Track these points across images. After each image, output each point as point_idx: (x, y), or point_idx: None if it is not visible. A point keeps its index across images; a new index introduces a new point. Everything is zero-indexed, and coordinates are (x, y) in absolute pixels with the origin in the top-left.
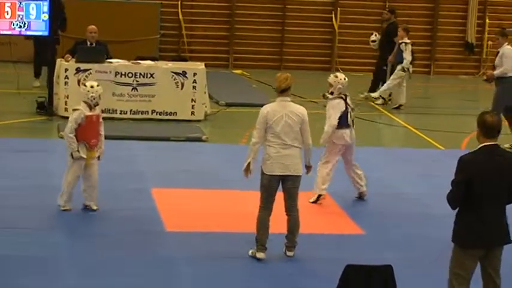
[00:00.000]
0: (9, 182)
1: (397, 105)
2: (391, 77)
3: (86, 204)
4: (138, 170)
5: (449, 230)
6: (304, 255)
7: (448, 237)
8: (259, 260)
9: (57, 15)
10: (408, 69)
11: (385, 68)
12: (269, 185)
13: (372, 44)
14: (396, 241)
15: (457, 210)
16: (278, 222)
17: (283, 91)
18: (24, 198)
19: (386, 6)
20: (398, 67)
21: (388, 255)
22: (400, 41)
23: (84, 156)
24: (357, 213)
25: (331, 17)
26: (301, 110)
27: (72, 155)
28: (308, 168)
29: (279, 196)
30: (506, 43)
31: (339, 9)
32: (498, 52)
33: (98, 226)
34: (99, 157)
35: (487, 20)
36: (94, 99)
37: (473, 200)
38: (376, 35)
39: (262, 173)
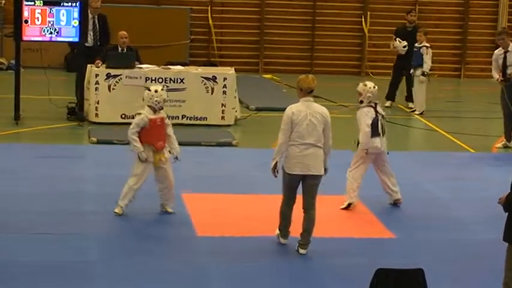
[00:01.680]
0: (41, 188)
1: (414, 109)
2: (417, 87)
3: (163, 205)
4: None
5: (478, 233)
6: (335, 260)
7: (478, 241)
8: (282, 244)
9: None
10: (428, 73)
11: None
12: (290, 184)
13: (402, 50)
14: (427, 245)
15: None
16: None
17: (310, 92)
18: (55, 204)
19: (416, 9)
20: (418, 72)
21: (420, 259)
22: (421, 45)
23: (151, 160)
24: (388, 217)
25: (361, 21)
26: (325, 111)
27: (139, 157)
28: (325, 170)
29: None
30: None
31: (368, 13)
32: (508, 51)
33: (128, 231)
34: (177, 157)
35: None
36: (158, 103)
37: None
38: (400, 41)
39: (284, 172)
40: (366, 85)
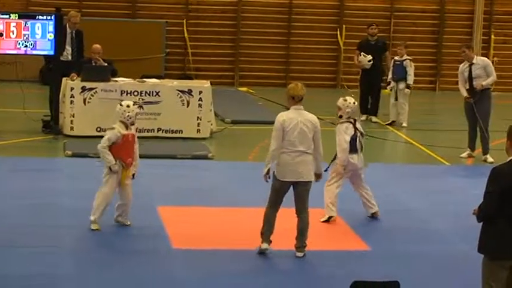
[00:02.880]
0: (16, 201)
1: (390, 122)
2: (402, 101)
3: (119, 220)
4: (144, 187)
5: (453, 245)
6: (311, 272)
7: (453, 252)
8: (263, 251)
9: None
10: (411, 86)
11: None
12: (280, 189)
13: (368, 64)
14: (402, 257)
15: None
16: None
17: (300, 99)
18: (29, 217)
19: (391, 22)
20: (401, 85)
21: (395, 272)
22: (403, 58)
23: (120, 175)
24: (364, 230)
25: (337, 34)
26: (315, 119)
27: (110, 168)
28: (318, 176)
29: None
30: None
31: (344, 26)
32: (472, 64)
33: (103, 244)
34: (133, 175)
35: (493, 36)
36: (130, 118)
37: (505, 211)
38: (364, 55)
39: (275, 178)
40: (346, 100)
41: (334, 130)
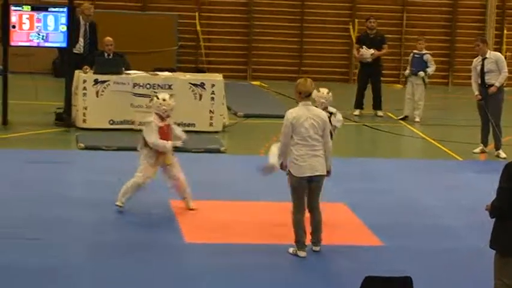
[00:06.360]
0: (28, 193)
1: (403, 116)
2: (421, 94)
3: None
4: (157, 181)
5: (466, 241)
6: (323, 267)
7: (466, 248)
8: (301, 257)
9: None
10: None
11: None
12: (299, 186)
13: (370, 57)
14: (416, 253)
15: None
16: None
17: (308, 95)
18: (43, 209)
19: (403, 17)
20: (418, 81)
21: (407, 267)
22: (423, 52)
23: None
24: (376, 225)
25: (349, 28)
26: (324, 114)
27: (167, 147)
28: (328, 172)
29: None
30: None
31: (356, 20)
32: (485, 58)
33: (117, 238)
34: (183, 142)
35: (505, 31)
36: (166, 111)
37: None
38: (367, 49)
39: (292, 176)
40: (319, 91)
41: (347, 125)
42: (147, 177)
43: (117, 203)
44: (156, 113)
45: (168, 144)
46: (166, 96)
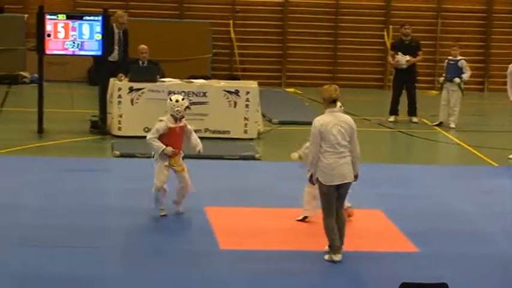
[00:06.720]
0: (65, 201)
1: (438, 122)
2: (456, 100)
3: (175, 206)
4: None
5: (501, 247)
6: (359, 273)
7: (502, 254)
8: (337, 262)
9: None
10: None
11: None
12: (328, 194)
13: (405, 63)
14: (452, 259)
15: None
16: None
17: (333, 101)
18: (78, 217)
19: (438, 23)
20: (453, 87)
21: (443, 274)
22: (458, 58)
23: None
24: (412, 231)
25: (383, 35)
26: (351, 120)
27: (164, 152)
28: (356, 177)
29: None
30: None
31: (390, 26)
32: None
33: (151, 244)
34: (199, 151)
35: None
36: (179, 112)
37: None
38: (402, 55)
39: (322, 184)
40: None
41: (382, 131)
42: (161, 182)
43: (161, 214)
44: (171, 114)
45: (167, 149)
46: (180, 97)
